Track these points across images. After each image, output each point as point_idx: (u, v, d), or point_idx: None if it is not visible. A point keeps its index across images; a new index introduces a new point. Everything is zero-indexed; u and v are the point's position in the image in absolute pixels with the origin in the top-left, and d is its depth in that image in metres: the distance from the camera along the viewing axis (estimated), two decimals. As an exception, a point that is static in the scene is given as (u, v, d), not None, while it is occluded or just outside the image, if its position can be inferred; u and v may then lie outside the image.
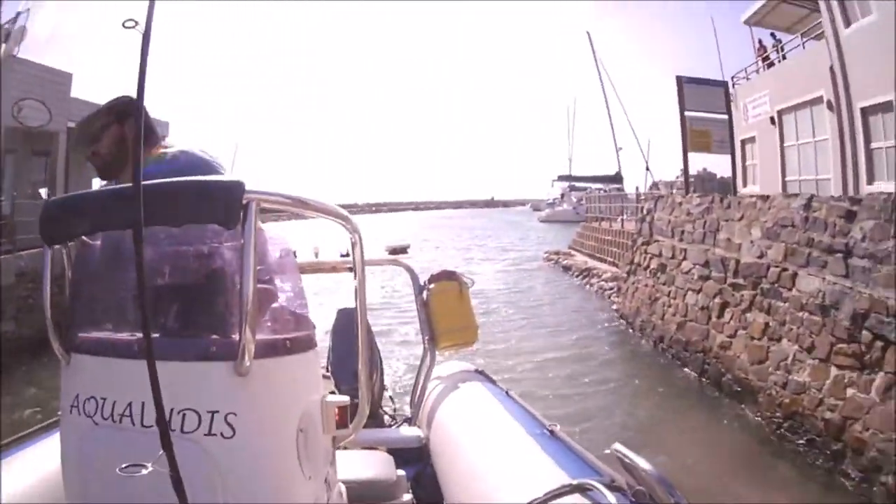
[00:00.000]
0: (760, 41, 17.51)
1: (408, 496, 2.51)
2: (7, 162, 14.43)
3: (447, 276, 3.65)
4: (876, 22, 10.86)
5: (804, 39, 14.45)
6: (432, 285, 3.57)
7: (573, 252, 23.21)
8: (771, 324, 7.24)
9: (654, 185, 27.82)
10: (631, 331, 11.52)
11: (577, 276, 18.67)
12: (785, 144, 14.76)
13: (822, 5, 12.33)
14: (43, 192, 15.13)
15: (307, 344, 1.55)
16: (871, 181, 11.62)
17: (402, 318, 11.75)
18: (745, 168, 16.23)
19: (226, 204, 1.23)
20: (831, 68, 12.42)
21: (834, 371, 6.05)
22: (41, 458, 2.22)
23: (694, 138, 12.63)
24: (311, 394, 1.57)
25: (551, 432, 2.46)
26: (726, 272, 8.51)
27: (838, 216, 6.28)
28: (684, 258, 9.88)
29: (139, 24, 1.10)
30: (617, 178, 44.70)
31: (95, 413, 1.35)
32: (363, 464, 2.36)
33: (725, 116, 13.12)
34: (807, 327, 6.56)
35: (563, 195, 57.65)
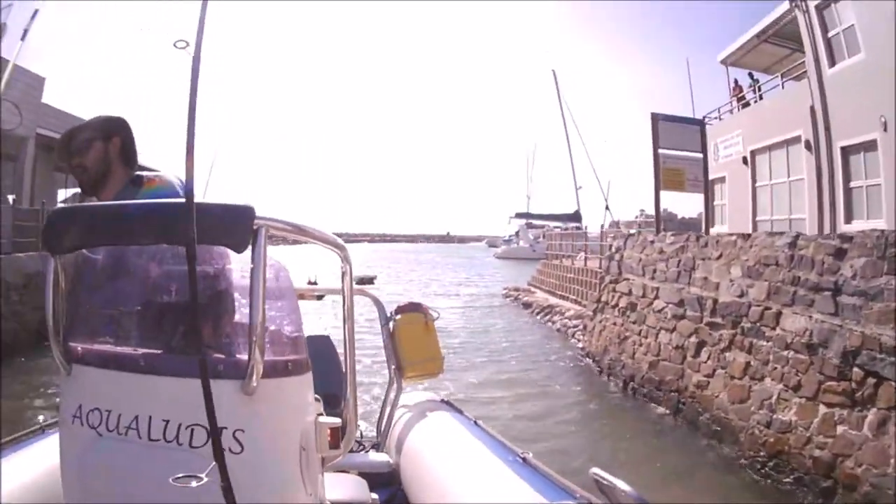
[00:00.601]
0: (736, 81, 17.92)
1: None
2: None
3: (413, 308, 3.75)
4: (864, 60, 11.24)
5: (785, 79, 14.91)
6: (399, 316, 3.65)
7: (533, 289, 23.40)
8: (752, 363, 7.30)
9: (615, 223, 28.44)
10: (599, 370, 11.48)
11: (538, 314, 18.69)
12: (757, 184, 15.20)
13: (808, 45, 12.74)
14: (10, 198, 14.61)
15: (305, 366, 1.59)
16: (848, 220, 11.98)
17: (362, 348, 11.40)
18: (712, 208, 16.33)
19: (238, 228, 1.30)
20: (811, 108, 12.77)
21: (823, 409, 6.10)
22: (39, 459, 2.27)
23: (666, 177, 12.85)
24: (309, 414, 1.62)
25: (524, 459, 2.52)
26: (703, 311, 8.60)
27: (827, 254, 6.42)
28: (656, 297, 9.97)
29: (189, 45, 1.16)
30: (576, 217, 45.76)
31: (100, 424, 1.38)
32: (339, 487, 2.39)
33: (700, 155, 13.41)
34: (792, 366, 6.63)
35: (518, 232, 59.38)
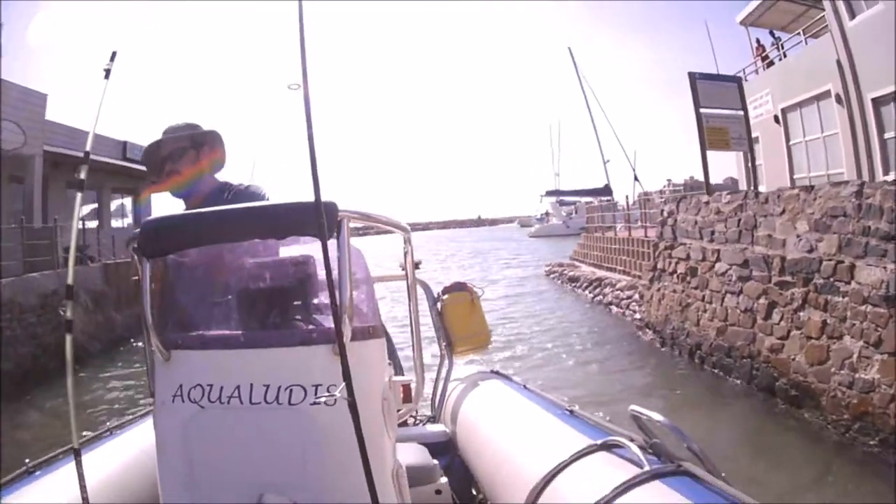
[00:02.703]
0: (759, 40, 18.22)
1: (443, 479, 2.87)
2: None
3: (459, 288, 4.15)
4: (882, 12, 11.28)
5: (806, 35, 15.13)
6: (446, 296, 4.06)
7: (577, 263, 23.58)
8: (829, 321, 7.35)
9: (645, 194, 28.40)
10: (661, 340, 11.61)
11: (585, 288, 18.85)
12: (791, 142, 15.60)
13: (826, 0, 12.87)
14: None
15: (381, 332, 1.92)
16: (886, 171, 12.32)
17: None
18: (755, 168, 16.69)
19: (325, 220, 1.50)
20: (838, 62, 13.05)
21: (907, 364, 6.16)
22: (113, 457, 2.76)
23: (711, 136, 12.84)
24: (385, 372, 1.94)
25: (571, 412, 2.88)
26: (770, 270, 8.63)
27: (896, 201, 6.44)
28: (717, 259, 10.01)
29: (300, 87, 1.38)
30: (606, 191, 47.08)
31: (202, 398, 1.61)
32: (403, 454, 2.62)
33: (739, 112, 13.39)
34: (871, 321, 6.67)
35: (548, 212, 62.86)
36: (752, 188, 13.26)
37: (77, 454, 2.02)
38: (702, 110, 12.85)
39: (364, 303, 1.88)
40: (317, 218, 1.44)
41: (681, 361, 10.62)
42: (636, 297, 14.29)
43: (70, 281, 2.14)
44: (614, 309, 15.76)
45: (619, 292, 15.87)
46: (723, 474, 2.04)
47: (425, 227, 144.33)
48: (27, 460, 2.65)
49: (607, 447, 2.29)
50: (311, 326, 1.75)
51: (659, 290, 12.11)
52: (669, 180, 22.28)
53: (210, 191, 2.31)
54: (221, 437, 1.61)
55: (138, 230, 1.77)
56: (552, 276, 23.65)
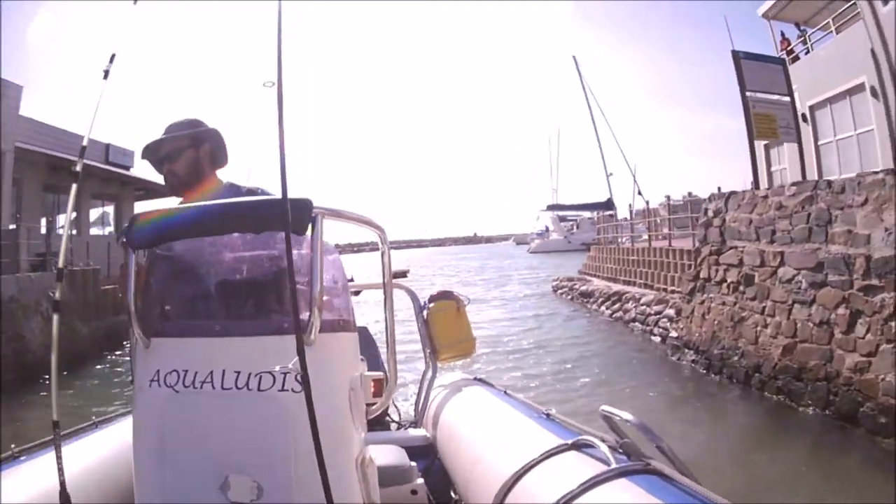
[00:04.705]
0: (783, 34, 18.19)
1: (419, 481, 2.99)
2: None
3: (445, 296, 4.34)
4: None
5: (836, 24, 14.85)
6: (432, 304, 4.24)
7: (587, 277, 23.11)
8: (935, 331, 6.26)
9: (647, 209, 28.62)
10: (706, 363, 10.44)
11: (602, 304, 17.91)
12: (820, 142, 15.21)
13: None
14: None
15: (352, 326, 2.08)
16: None
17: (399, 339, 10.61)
18: (770, 174, 16.72)
19: (300, 217, 1.75)
20: (872, 51, 12.79)
21: None
22: (96, 450, 2.89)
23: (759, 123, 12.14)
24: (356, 365, 2.08)
25: (548, 415, 3.05)
26: (851, 273, 7.54)
27: None
28: (781, 263, 8.92)
29: (274, 84, 1.49)
30: (609, 205, 48.81)
31: (177, 383, 1.81)
32: (380, 454, 2.67)
33: (787, 98, 12.83)
34: None
35: (548, 227, 66.33)
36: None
37: (56, 426, 2.09)
38: (748, 94, 12.28)
39: (336, 297, 2.02)
40: (282, 210, 1.51)
41: (735, 388, 9.42)
42: (669, 312, 13.14)
43: (61, 264, 2.34)
44: (638, 326, 14.67)
45: (644, 307, 14.71)
46: (692, 473, 2.08)
47: (419, 244, 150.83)
48: (13, 445, 2.77)
49: (577, 446, 2.39)
50: (284, 317, 1.83)
51: (702, 303, 11.00)
52: (668, 196, 22.25)
53: (217, 193, 2.31)
54: (193, 420, 1.78)
55: (127, 224, 1.96)
56: (560, 291, 22.78)
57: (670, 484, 2.01)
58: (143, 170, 21.55)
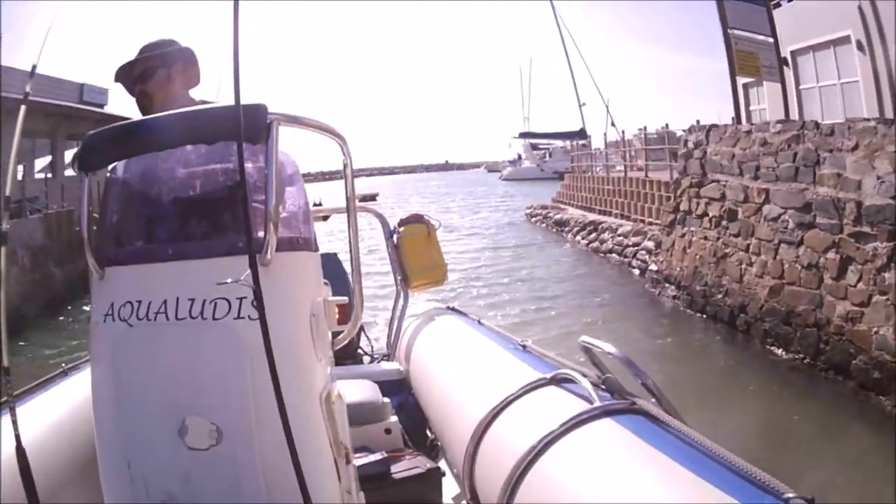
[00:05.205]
0: None
1: (393, 418, 2.95)
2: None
3: (416, 220, 4.27)
4: None
5: None
6: (402, 228, 4.18)
7: (562, 205, 22.92)
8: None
9: (622, 139, 28.58)
10: (688, 299, 10.39)
11: (577, 234, 17.80)
12: (802, 87, 15.24)
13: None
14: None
15: (312, 245, 1.89)
16: None
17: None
18: (749, 113, 16.50)
19: (254, 124, 1.59)
20: (860, 7, 12.59)
21: None
22: (61, 400, 2.73)
23: (741, 61, 12.21)
24: (318, 289, 1.88)
25: (524, 347, 2.95)
26: (842, 218, 7.35)
27: None
28: (766, 201, 8.71)
29: None
30: (582, 134, 48.05)
31: (130, 316, 1.66)
32: (350, 390, 2.58)
33: (771, 39, 12.89)
34: None
35: (520, 155, 66.66)
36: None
37: (6, 373, 1.94)
38: (730, 31, 12.22)
39: (296, 213, 1.90)
40: (234, 117, 1.38)
41: (720, 329, 9.39)
42: (647, 244, 13.01)
43: (8, 192, 2.40)
44: (615, 258, 14.60)
45: (622, 238, 14.61)
46: (678, 412, 1.97)
47: (391, 171, 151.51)
48: None
49: (557, 381, 2.32)
50: (238, 235, 1.70)
51: (683, 236, 10.85)
52: (644, 127, 22.15)
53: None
54: (147, 358, 1.64)
55: (79, 146, 1.84)
56: (535, 219, 22.63)
57: (656, 425, 1.91)
58: (120, 107, 21.58)
